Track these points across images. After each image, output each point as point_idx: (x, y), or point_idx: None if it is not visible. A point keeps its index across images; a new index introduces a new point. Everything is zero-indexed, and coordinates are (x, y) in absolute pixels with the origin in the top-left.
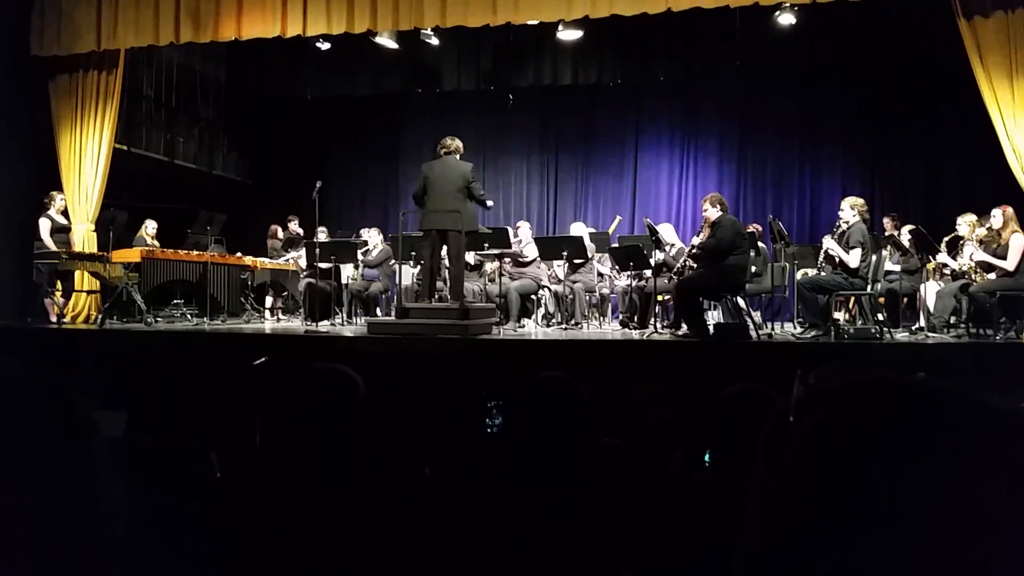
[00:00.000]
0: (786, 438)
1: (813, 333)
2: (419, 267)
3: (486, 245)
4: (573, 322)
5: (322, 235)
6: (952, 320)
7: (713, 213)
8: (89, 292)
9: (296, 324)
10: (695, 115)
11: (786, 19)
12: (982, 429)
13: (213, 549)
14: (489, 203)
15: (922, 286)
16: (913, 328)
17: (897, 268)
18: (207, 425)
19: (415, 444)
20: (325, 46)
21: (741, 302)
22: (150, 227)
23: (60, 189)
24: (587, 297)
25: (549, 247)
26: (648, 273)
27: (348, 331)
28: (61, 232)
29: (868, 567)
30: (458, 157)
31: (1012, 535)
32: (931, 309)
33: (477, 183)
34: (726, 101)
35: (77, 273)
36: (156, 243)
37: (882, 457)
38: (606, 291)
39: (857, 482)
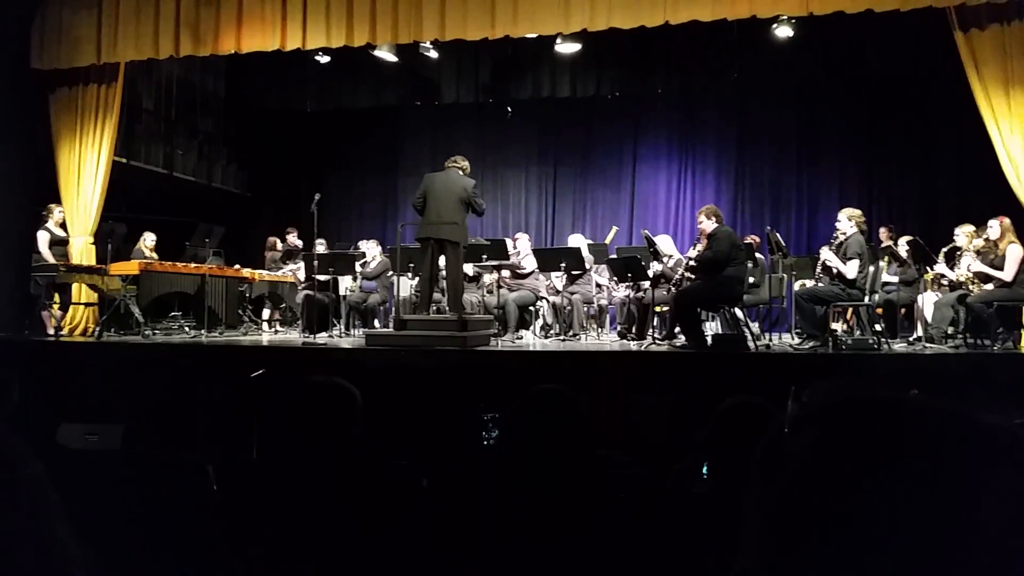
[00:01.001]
0: (780, 456)
1: (811, 344)
2: (417, 279)
3: (484, 256)
4: (571, 333)
5: (320, 247)
6: (950, 330)
7: (709, 225)
8: (87, 305)
9: (294, 336)
10: (693, 127)
11: (783, 31)
12: (975, 447)
13: (209, 562)
14: (483, 208)
15: (920, 297)
16: (911, 339)
17: (895, 279)
18: (204, 438)
19: (413, 456)
20: (324, 59)
21: (739, 313)
22: (149, 239)
23: (59, 202)
24: (585, 308)
25: (547, 258)
26: (646, 284)
27: (346, 343)
28: (59, 245)
29: None
30: (462, 173)
31: (1005, 554)
32: (929, 320)
33: (479, 198)
34: (724, 113)
35: (75, 286)
36: (155, 255)
37: (875, 476)
38: (604, 302)
39: (851, 501)
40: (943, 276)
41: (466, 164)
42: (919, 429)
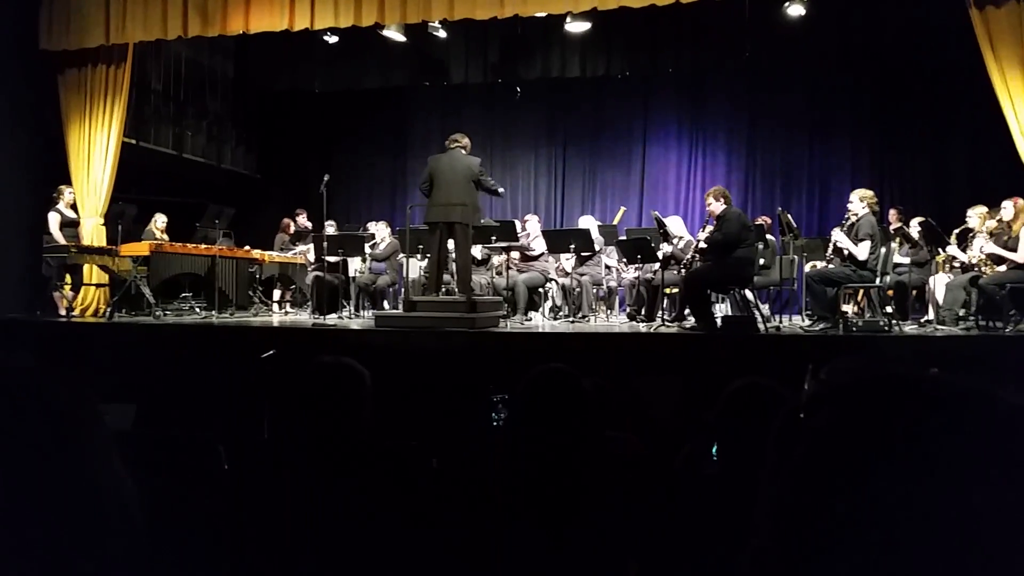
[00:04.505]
0: (797, 435)
1: (822, 326)
2: (426, 260)
3: (493, 238)
4: (580, 315)
5: (330, 229)
6: (962, 313)
7: (717, 207)
8: (98, 285)
9: (304, 317)
10: (703, 107)
11: (795, 10)
12: (995, 426)
13: (221, 542)
14: (500, 190)
15: (931, 278)
16: (922, 321)
17: (906, 260)
18: (215, 418)
19: (422, 437)
20: (333, 39)
21: (749, 295)
22: (160, 221)
23: (69, 183)
24: (594, 290)
25: (557, 240)
26: (656, 266)
27: (355, 324)
28: (70, 226)
29: (879, 566)
30: (465, 152)
31: None
32: (940, 302)
33: (487, 176)
34: (734, 93)
35: (86, 267)
36: (165, 237)
37: (894, 455)
38: (613, 284)
39: (869, 480)
40: (955, 258)
41: (467, 141)
42: (938, 408)
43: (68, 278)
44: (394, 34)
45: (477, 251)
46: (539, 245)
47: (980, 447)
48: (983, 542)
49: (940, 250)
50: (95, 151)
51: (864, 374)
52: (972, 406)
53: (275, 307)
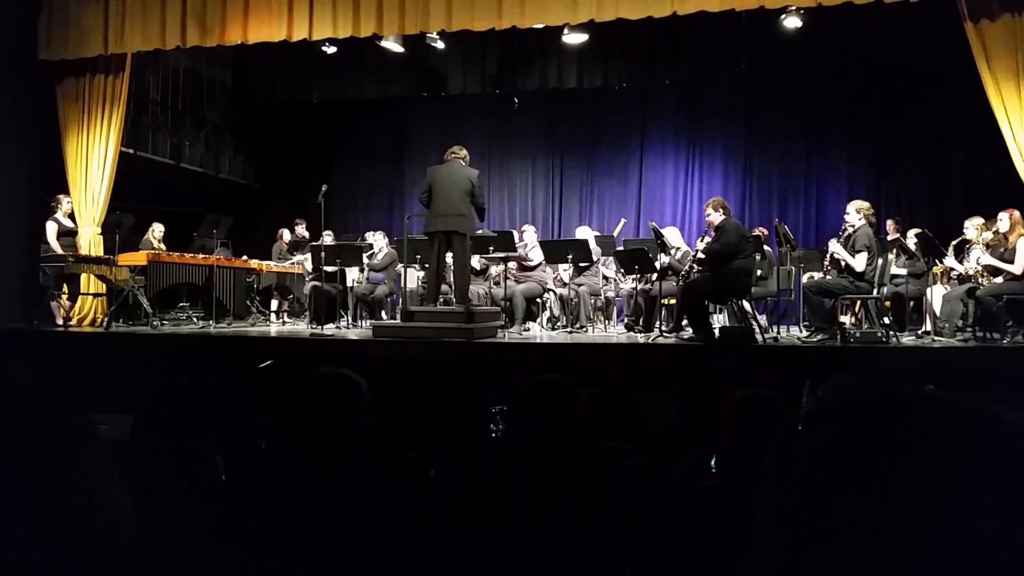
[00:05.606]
0: (795, 450)
1: (819, 337)
2: (424, 270)
3: (491, 249)
4: (578, 326)
5: (328, 238)
6: (959, 324)
7: (716, 217)
8: (95, 295)
9: (301, 327)
10: (701, 118)
11: (792, 22)
12: (992, 443)
13: (218, 552)
14: (484, 209)
15: (928, 290)
16: (919, 332)
17: (903, 272)
18: (212, 428)
19: (420, 448)
20: (331, 50)
21: (747, 306)
22: (157, 230)
23: (67, 192)
24: (592, 300)
25: (554, 250)
26: (653, 276)
27: (353, 334)
28: (68, 235)
29: None
30: (464, 163)
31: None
32: (937, 313)
33: (481, 190)
34: (732, 104)
35: (83, 276)
36: (163, 246)
37: (892, 471)
38: (611, 294)
39: (867, 496)
40: (952, 269)
41: (465, 153)
42: (935, 424)
43: (65, 287)
44: (392, 45)
45: (475, 261)
46: (537, 255)
47: (976, 464)
48: (981, 559)
49: (937, 261)
50: (93, 160)
51: (861, 390)
52: (968, 423)
53: (273, 317)
